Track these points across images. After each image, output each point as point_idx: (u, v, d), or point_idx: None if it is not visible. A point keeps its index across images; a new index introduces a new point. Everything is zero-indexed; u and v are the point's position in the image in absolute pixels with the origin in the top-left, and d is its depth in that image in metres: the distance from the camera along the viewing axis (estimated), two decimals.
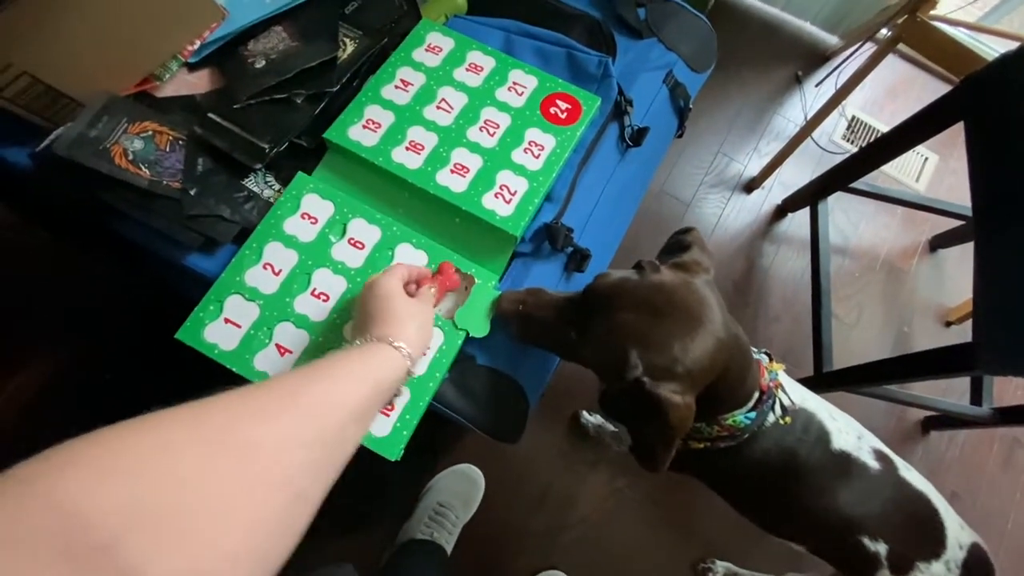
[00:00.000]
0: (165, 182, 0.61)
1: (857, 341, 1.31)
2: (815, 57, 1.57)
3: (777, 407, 0.57)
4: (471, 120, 0.63)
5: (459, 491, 1.01)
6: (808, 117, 1.42)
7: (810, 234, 1.25)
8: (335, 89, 0.66)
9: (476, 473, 1.04)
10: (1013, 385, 1.31)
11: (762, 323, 1.26)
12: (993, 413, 1.11)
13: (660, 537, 1.08)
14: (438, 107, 0.64)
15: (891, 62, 1.38)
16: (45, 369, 0.92)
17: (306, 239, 0.58)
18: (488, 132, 0.63)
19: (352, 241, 0.58)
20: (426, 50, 0.67)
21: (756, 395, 0.55)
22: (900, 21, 1.07)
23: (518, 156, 0.61)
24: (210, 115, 0.65)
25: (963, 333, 1.34)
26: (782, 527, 0.67)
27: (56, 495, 0.18)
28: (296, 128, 0.64)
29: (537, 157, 0.61)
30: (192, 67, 0.69)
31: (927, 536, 0.62)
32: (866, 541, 0.60)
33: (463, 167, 0.61)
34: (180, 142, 0.64)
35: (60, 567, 0.17)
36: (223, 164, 0.63)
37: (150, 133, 0.63)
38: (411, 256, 0.58)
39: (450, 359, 0.54)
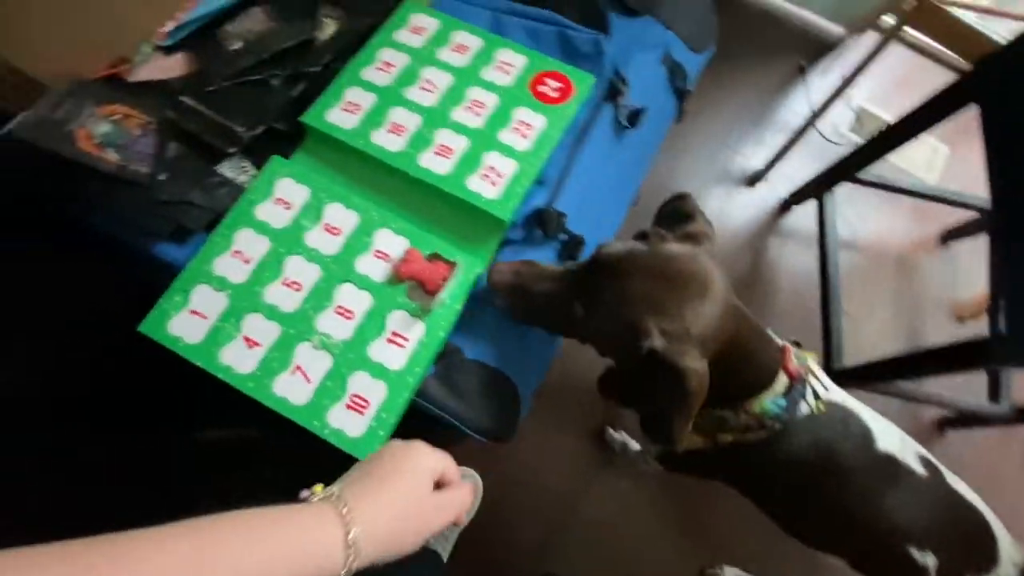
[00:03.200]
0: (133, 167, 0.58)
1: (868, 337, 1.27)
2: (819, 47, 1.53)
3: (809, 394, 0.53)
4: (456, 100, 0.60)
5: None
6: (813, 108, 1.38)
7: (817, 228, 1.20)
8: (314, 70, 0.63)
9: (473, 476, 0.99)
10: None
11: (770, 319, 1.22)
12: (1013, 410, 1.06)
13: (668, 541, 1.04)
14: (421, 88, 0.61)
15: (898, 52, 1.34)
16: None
17: (279, 225, 0.54)
18: (474, 112, 0.59)
19: (328, 227, 0.55)
20: (409, 31, 0.64)
21: (784, 381, 0.51)
22: (909, 5, 1.03)
23: (506, 136, 0.58)
24: (182, 98, 0.62)
25: (977, 328, 1.29)
26: (822, 536, 0.61)
27: None
28: (272, 111, 0.61)
29: (526, 137, 0.58)
30: (167, 51, 0.66)
31: (978, 550, 0.57)
32: (914, 552, 0.55)
33: (447, 148, 0.58)
34: (151, 126, 0.61)
35: None
36: (195, 149, 0.60)
37: (119, 116, 0.60)
38: (391, 242, 0.54)
39: (432, 351, 0.50)
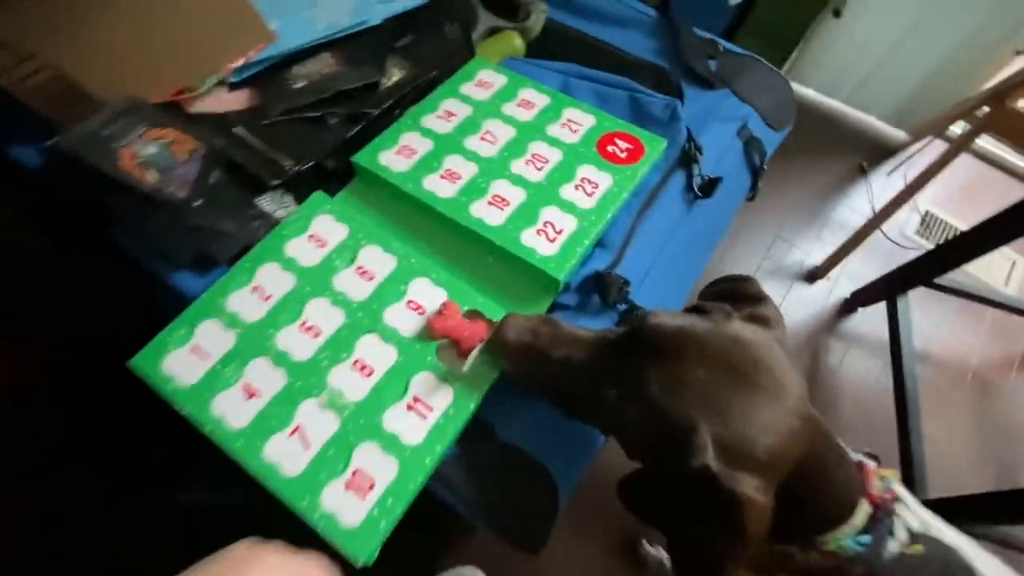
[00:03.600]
0: (170, 190, 0.55)
1: (951, 465, 1.09)
2: (880, 150, 1.50)
3: (899, 529, 0.40)
4: (517, 153, 0.56)
5: None
6: (876, 209, 1.32)
7: (889, 334, 1.08)
8: (374, 112, 0.61)
9: None
10: None
11: (832, 429, 1.07)
12: None
13: None
14: (482, 138, 0.57)
15: (962, 160, 1.29)
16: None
17: (308, 263, 0.49)
18: (535, 166, 0.55)
19: (361, 270, 0.49)
20: (476, 85, 0.62)
21: (867, 510, 0.39)
22: (984, 111, 0.99)
23: (567, 192, 0.53)
24: (235, 129, 0.60)
25: None
26: None
27: None
28: (324, 149, 0.59)
29: (590, 195, 0.52)
30: (231, 87, 0.66)
31: None
32: None
33: (502, 200, 0.53)
34: (199, 153, 0.59)
35: None
36: (238, 179, 0.57)
37: (169, 140, 0.58)
38: (428, 293, 0.48)
39: (458, 426, 0.42)
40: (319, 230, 0.51)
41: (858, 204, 1.42)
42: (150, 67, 0.60)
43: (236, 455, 0.39)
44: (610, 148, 0.55)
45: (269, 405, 0.41)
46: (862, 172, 1.46)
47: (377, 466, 0.39)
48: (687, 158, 0.56)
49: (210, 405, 0.41)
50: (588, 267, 0.50)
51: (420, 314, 0.47)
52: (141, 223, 0.53)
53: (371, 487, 0.38)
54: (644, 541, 0.88)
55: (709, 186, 0.55)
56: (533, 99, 0.60)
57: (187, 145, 0.59)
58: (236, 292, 0.47)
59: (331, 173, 0.59)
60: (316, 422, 0.41)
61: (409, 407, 0.42)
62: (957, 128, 1.28)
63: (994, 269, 1.36)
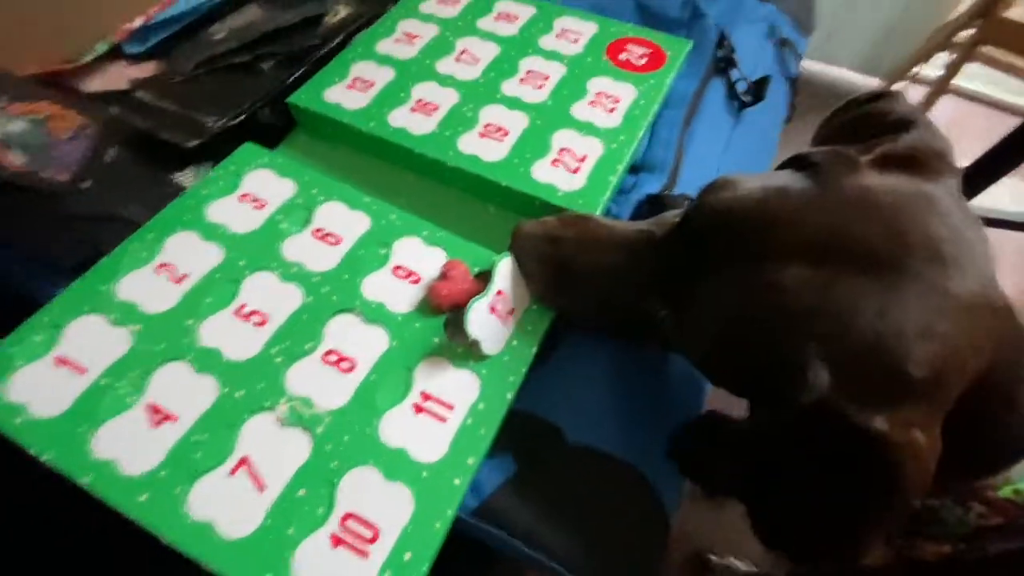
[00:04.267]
0: (46, 175, 0.39)
1: None
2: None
3: None
4: (506, 72, 0.43)
5: None
6: None
7: None
8: (319, 50, 0.47)
9: None
10: None
11: None
12: None
13: None
14: (457, 59, 0.45)
15: (941, 103, 1.27)
16: None
17: (241, 229, 0.34)
18: (534, 84, 0.43)
19: (320, 233, 0.35)
20: (438, 2, 0.50)
21: None
22: (971, 32, 0.96)
23: (582, 111, 0.41)
24: (137, 94, 0.45)
25: None
26: None
27: None
28: (257, 97, 0.44)
29: (612, 111, 0.41)
30: (132, 59, 0.50)
31: None
32: None
33: (498, 129, 0.40)
34: (88, 129, 0.43)
35: None
36: (147, 152, 0.42)
37: (42, 116, 0.43)
38: (421, 255, 0.34)
39: (493, 428, 0.28)
40: (254, 188, 0.37)
41: None
42: (13, 31, 0.45)
43: (140, 516, 0.24)
44: (623, 56, 0.44)
45: (192, 431, 0.26)
46: None
47: (379, 503, 0.25)
48: (723, 61, 0.45)
49: (89, 442, 0.25)
50: (633, 197, 0.38)
51: (414, 283, 0.33)
52: (5, 218, 0.38)
53: (375, 537, 0.24)
54: (711, 556, 0.75)
55: (758, 87, 0.44)
56: (514, 11, 0.48)
57: (69, 122, 0.44)
58: (131, 274, 0.31)
59: (270, 128, 0.45)
60: (273, 448, 0.26)
61: (418, 408, 0.28)
62: (932, 71, 1.26)
63: (1001, 196, 1.35)
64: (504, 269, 0.30)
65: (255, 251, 0.33)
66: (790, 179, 0.24)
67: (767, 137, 0.49)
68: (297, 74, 0.46)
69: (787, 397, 0.21)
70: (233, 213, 0.35)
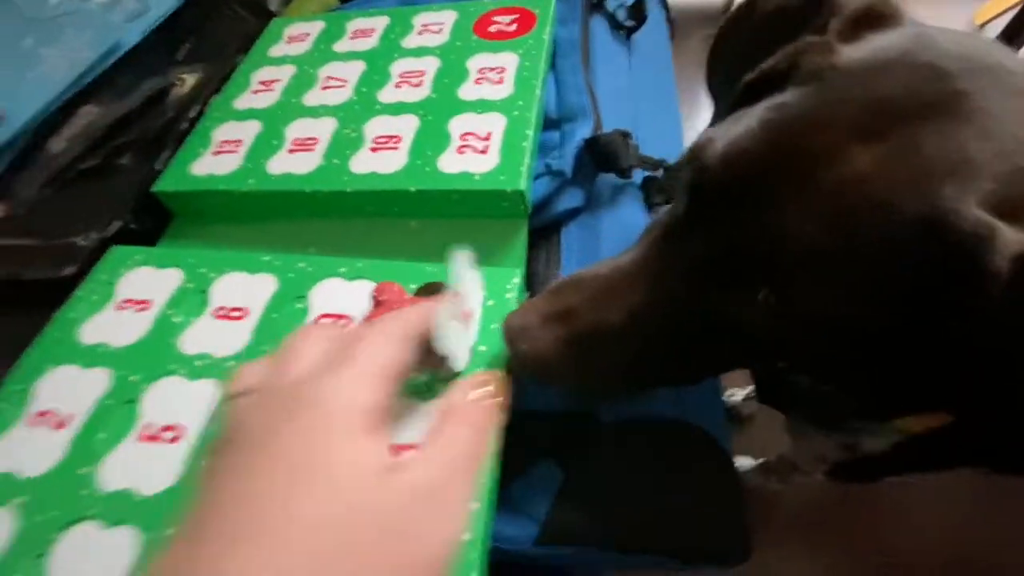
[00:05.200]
0: None
1: None
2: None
3: None
4: (378, 83, 0.40)
5: None
6: None
7: None
8: (176, 123, 0.42)
9: None
10: None
11: None
12: None
13: None
14: (324, 88, 0.41)
15: None
16: None
17: (126, 340, 0.29)
18: (411, 84, 0.39)
19: (221, 312, 0.29)
20: (287, 43, 0.46)
21: None
22: None
23: (470, 92, 0.37)
24: None
25: None
26: None
27: None
28: (127, 199, 0.39)
29: (500, 83, 0.37)
30: None
31: None
32: None
33: (389, 138, 0.36)
34: None
35: None
36: (21, 302, 0.36)
37: None
38: (344, 294, 0.29)
39: (489, 459, 0.23)
40: (132, 292, 0.31)
41: None
42: None
43: None
44: (493, 28, 0.41)
45: None
46: None
47: None
48: (592, 3, 0.43)
49: None
50: (568, 149, 0.35)
51: (344, 327, 0.28)
52: None
53: None
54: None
55: (637, 10, 0.42)
56: (367, 25, 0.45)
57: None
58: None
59: (148, 232, 0.40)
60: None
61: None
62: None
63: None
64: (457, 267, 0.25)
65: (149, 360, 0.28)
66: (778, 99, 0.20)
67: (662, 56, 0.47)
68: (164, 156, 0.41)
69: (976, 286, 0.16)
70: (113, 327, 0.29)
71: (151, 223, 0.39)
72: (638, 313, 0.21)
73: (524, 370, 0.23)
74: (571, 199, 0.34)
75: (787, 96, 0.20)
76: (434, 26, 0.43)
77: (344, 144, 0.36)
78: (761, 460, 0.67)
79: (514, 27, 0.41)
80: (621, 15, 0.43)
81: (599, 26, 0.43)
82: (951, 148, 0.17)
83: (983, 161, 0.16)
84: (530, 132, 0.34)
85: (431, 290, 0.28)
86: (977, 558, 0.59)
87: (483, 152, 0.34)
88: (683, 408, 0.25)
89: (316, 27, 0.46)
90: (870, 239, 0.17)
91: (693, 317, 0.21)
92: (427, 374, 0.24)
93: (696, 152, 0.21)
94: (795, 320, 0.19)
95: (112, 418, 0.25)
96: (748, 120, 0.20)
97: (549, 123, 0.37)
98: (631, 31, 0.43)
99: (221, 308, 0.30)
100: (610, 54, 0.42)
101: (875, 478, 0.36)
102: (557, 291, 0.23)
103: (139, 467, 0.24)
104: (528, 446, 0.24)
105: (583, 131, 0.35)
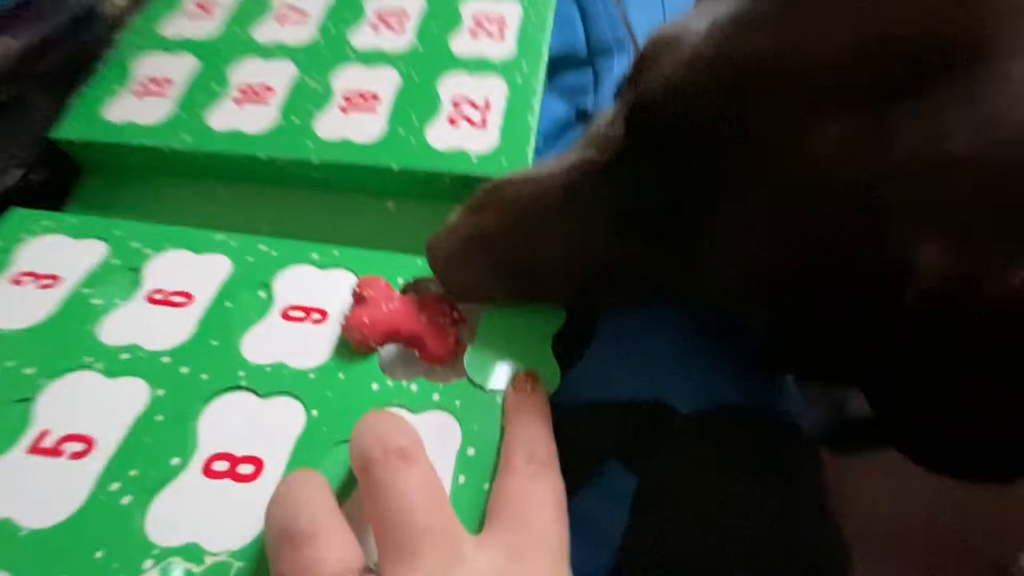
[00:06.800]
0: None
1: None
2: None
3: None
4: (349, 19, 0.33)
5: None
6: None
7: None
8: (104, 47, 0.34)
9: None
10: None
11: None
12: None
13: None
14: (281, 20, 0.34)
15: None
16: None
17: (21, 323, 0.23)
18: (391, 27, 0.33)
19: (159, 296, 0.24)
20: None
21: None
22: None
23: (463, 45, 0.32)
24: None
25: None
26: None
27: None
28: (29, 146, 0.31)
29: (501, 38, 0.32)
30: None
31: None
32: None
33: (363, 97, 0.30)
34: None
35: None
36: None
37: None
38: (316, 284, 0.24)
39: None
40: (35, 265, 0.25)
41: None
42: None
43: None
44: None
45: None
46: None
47: None
48: None
49: None
50: (606, 87, 0.31)
51: (319, 323, 0.23)
52: None
53: None
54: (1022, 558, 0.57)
55: None
56: None
57: None
58: None
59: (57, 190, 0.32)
60: None
61: None
62: None
63: None
64: None
65: (52, 350, 0.22)
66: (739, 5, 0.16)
67: None
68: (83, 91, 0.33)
69: (884, 285, 0.14)
70: (5, 305, 0.23)
71: (62, 176, 0.32)
72: (561, 252, 0.20)
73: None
74: None
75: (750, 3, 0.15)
76: None
77: (306, 97, 0.30)
78: None
79: None
80: None
81: None
82: (936, 135, 0.13)
83: (966, 158, 0.13)
84: (536, 104, 0.29)
85: (421, 288, 0.24)
86: (959, 528, 0.60)
87: (481, 125, 0.29)
88: (771, 394, 0.23)
89: None
90: (812, 235, 0.15)
91: (595, 249, 0.20)
92: (417, 382, 0.21)
93: (640, 68, 0.18)
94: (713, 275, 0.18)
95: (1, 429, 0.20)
96: (706, 26, 0.16)
97: (576, 61, 0.33)
98: None
99: (159, 291, 0.24)
100: None
101: (873, 446, 0.38)
102: (479, 208, 0.21)
103: (29, 491, 0.18)
104: (586, 446, 0.21)
105: (622, 66, 0.31)
